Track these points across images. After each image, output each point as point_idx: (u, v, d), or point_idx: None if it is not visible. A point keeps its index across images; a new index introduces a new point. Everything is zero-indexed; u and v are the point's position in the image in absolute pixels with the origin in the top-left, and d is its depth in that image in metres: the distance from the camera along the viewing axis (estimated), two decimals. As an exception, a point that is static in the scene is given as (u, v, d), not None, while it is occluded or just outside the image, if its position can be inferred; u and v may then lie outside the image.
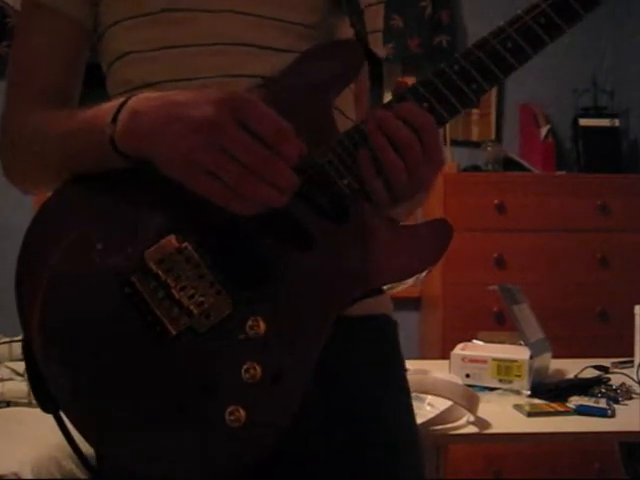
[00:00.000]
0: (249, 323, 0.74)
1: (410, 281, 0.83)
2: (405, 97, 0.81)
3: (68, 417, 0.76)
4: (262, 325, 0.74)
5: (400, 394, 0.94)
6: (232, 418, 0.71)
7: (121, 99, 0.78)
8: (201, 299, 0.75)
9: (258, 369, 0.72)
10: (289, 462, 0.79)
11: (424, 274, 0.83)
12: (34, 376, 0.76)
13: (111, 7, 0.89)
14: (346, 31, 0.90)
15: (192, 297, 0.75)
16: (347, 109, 0.92)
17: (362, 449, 0.86)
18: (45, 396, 0.76)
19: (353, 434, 0.86)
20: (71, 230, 0.78)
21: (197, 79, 0.85)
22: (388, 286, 0.85)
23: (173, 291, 0.75)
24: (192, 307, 0.74)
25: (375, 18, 1.01)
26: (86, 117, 0.81)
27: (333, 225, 0.79)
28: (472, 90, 0.81)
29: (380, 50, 1.02)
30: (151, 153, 0.74)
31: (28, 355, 0.77)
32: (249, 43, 0.86)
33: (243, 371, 0.72)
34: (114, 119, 0.76)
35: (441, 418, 1.47)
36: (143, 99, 0.76)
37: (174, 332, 0.74)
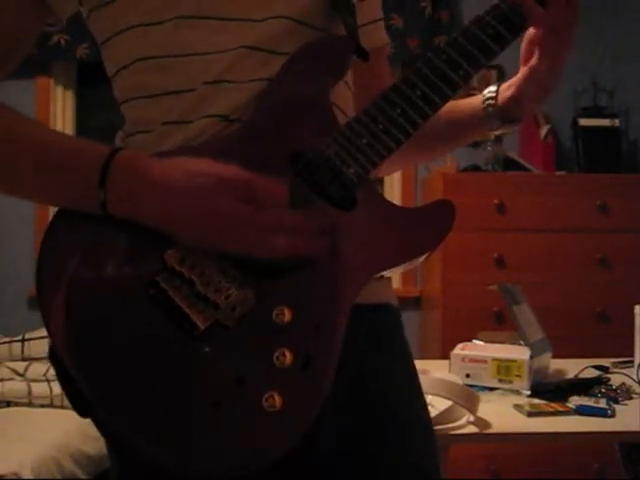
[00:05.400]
0: (275, 312, 0.76)
1: (418, 260, 0.85)
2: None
3: (102, 418, 0.76)
4: (287, 313, 0.76)
5: (410, 382, 0.95)
6: (268, 404, 0.72)
7: (102, 154, 0.79)
8: (227, 292, 0.76)
9: (288, 355, 0.74)
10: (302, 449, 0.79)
11: (424, 256, 0.86)
12: (65, 381, 0.76)
13: (129, 10, 0.88)
14: (340, 28, 0.93)
15: (217, 291, 0.76)
16: (344, 105, 0.94)
17: (369, 438, 0.87)
18: (80, 400, 0.75)
19: (364, 421, 0.87)
20: (88, 238, 0.78)
21: (218, 83, 0.86)
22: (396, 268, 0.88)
23: (198, 287, 0.76)
24: (218, 301, 0.76)
25: (373, 8, 1.05)
26: (65, 154, 0.82)
27: (342, 212, 0.82)
28: (459, 76, 0.87)
29: (384, 37, 1.09)
30: (159, 227, 0.78)
31: (55, 361, 0.77)
32: (265, 49, 0.88)
33: (275, 358, 0.74)
34: (101, 182, 0.78)
35: (441, 418, 1.46)
36: (134, 170, 0.79)
37: (202, 327, 0.75)
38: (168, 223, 0.78)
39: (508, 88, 1.01)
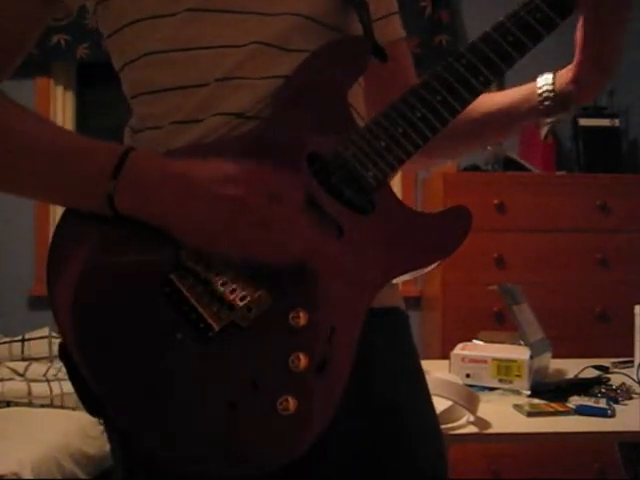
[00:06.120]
0: (291, 315, 0.75)
1: (428, 269, 0.86)
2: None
3: (113, 416, 0.75)
4: (303, 316, 0.75)
5: (419, 385, 0.95)
6: (282, 407, 0.72)
7: (118, 150, 0.78)
8: (243, 293, 0.75)
9: (303, 359, 0.73)
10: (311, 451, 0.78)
11: (437, 263, 0.87)
12: (75, 378, 0.75)
13: (135, 2, 0.86)
14: (357, 27, 0.92)
15: (234, 292, 0.75)
16: (357, 105, 0.94)
17: (381, 442, 0.86)
18: (89, 398, 0.74)
19: (375, 426, 0.86)
20: (100, 233, 0.78)
21: (230, 79, 0.85)
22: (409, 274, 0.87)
23: (214, 287, 0.75)
24: (234, 301, 0.75)
25: (387, 2, 1.05)
26: (77, 147, 0.80)
27: (360, 215, 0.82)
28: (480, 82, 0.87)
29: (398, 31, 1.08)
30: (168, 224, 0.76)
31: (65, 357, 0.76)
32: (276, 45, 0.87)
33: (289, 362, 0.73)
34: (115, 174, 0.77)
35: (441, 418, 1.46)
36: (150, 165, 0.78)
37: (217, 328, 0.74)
38: (180, 221, 0.76)
39: (567, 72, 0.98)
